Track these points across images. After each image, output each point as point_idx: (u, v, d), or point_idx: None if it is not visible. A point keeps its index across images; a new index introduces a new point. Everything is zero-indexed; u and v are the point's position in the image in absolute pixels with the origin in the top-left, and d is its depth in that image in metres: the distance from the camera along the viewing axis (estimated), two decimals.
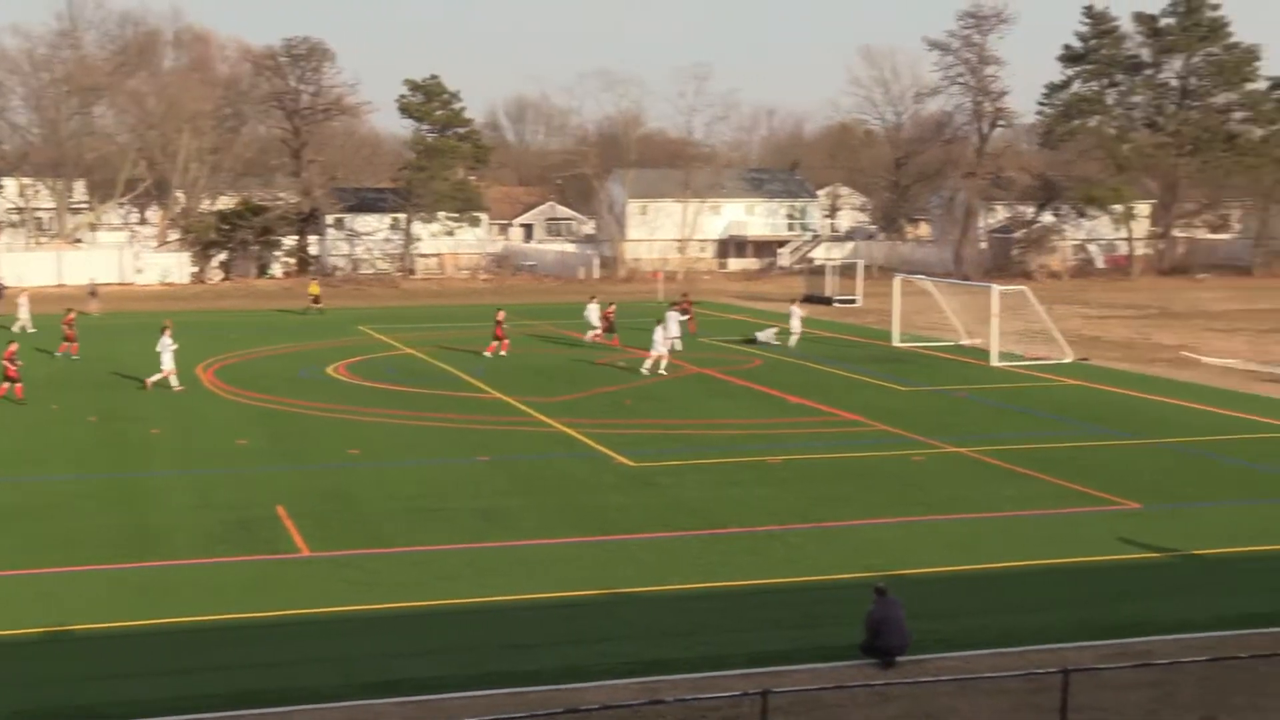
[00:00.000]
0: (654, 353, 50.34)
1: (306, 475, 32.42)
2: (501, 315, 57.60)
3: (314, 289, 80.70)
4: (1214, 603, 22.38)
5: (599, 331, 59.88)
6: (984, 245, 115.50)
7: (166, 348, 45.80)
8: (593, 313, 60.90)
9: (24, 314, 65.39)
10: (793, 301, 62.52)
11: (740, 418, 40.73)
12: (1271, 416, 40.75)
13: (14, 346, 45.32)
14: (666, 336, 55.71)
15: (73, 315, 56.61)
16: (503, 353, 55.33)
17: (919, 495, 30.23)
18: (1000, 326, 54.32)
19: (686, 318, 60.76)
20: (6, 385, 43.52)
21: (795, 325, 59.26)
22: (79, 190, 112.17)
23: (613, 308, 61.18)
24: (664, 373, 49.65)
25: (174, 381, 45.85)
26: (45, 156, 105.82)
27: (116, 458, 34.78)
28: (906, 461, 34.04)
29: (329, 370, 51.30)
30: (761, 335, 61.10)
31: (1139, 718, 17.42)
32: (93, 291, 77.49)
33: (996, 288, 56.19)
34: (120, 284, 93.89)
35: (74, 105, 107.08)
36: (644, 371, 49.85)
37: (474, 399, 44.54)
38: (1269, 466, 33.40)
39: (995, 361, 52.58)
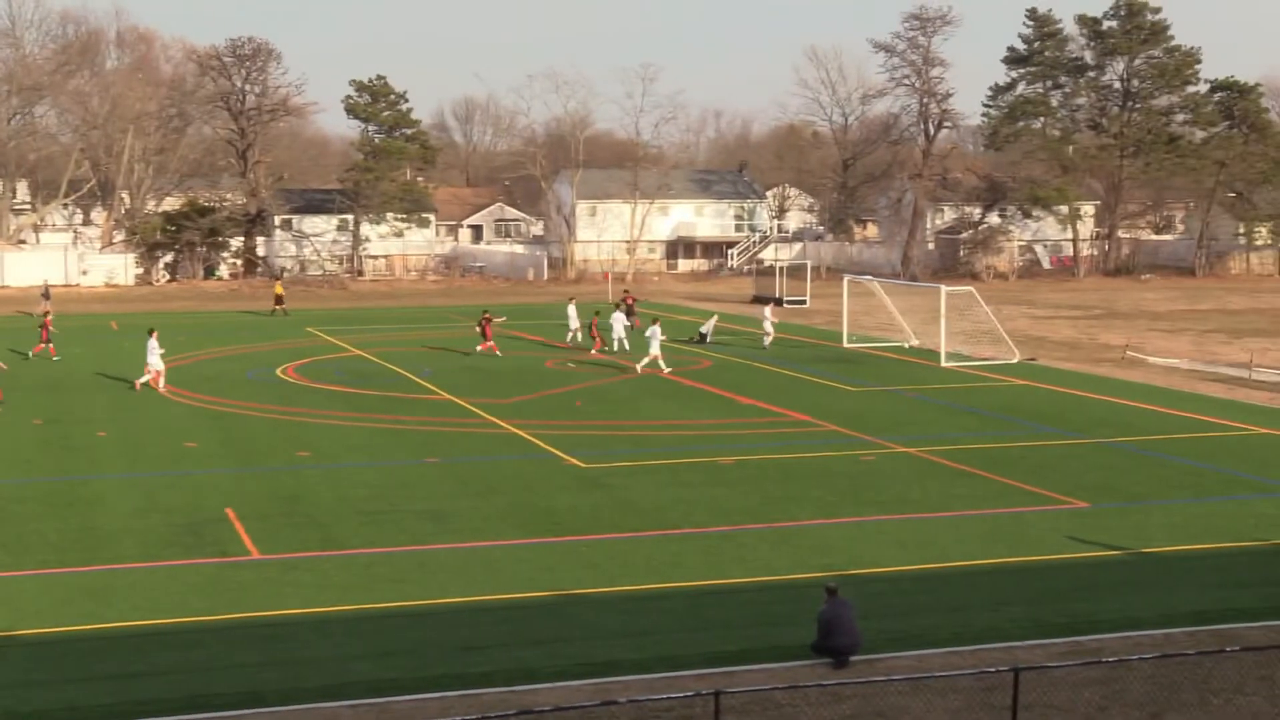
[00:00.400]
0: (652, 352, 50.48)
1: (255, 478, 32.20)
2: (488, 317, 58.05)
3: (279, 289, 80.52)
4: (1162, 600, 22.54)
5: (576, 330, 59.80)
6: (931, 246, 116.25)
7: (153, 350, 46.12)
8: (573, 314, 60.61)
9: None
10: (765, 304, 62.27)
11: (691, 418, 40.75)
12: (1216, 415, 41.13)
13: None
14: (614, 336, 56.25)
15: (49, 317, 57.11)
16: (479, 349, 55.99)
17: (870, 495, 30.31)
18: (948, 327, 54.61)
19: (631, 316, 60.81)
20: None
21: (768, 327, 59.37)
22: (21, 191, 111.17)
23: (597, 316, 61.42)
24: (649, 370, 49.88)
25: (141, 380, 46.05)
26: None
27: (62, 461, 34.43)
28: (857, 461, 34.14)
29: (278, 372, 51.01)
30: (704, 329, 61.16)
31: (1090, 715, 17.51)
32: (45, 293, 76.99)
33: (944, 288, 56.48)
34: (65, 285, 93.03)
35: (15, 105, 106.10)
36: (638, 370, 50.11)
37: (423, 400, 44.37)
38: (1214, 465, 33.68)
39: (944, 362, 52.82)
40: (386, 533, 26.95)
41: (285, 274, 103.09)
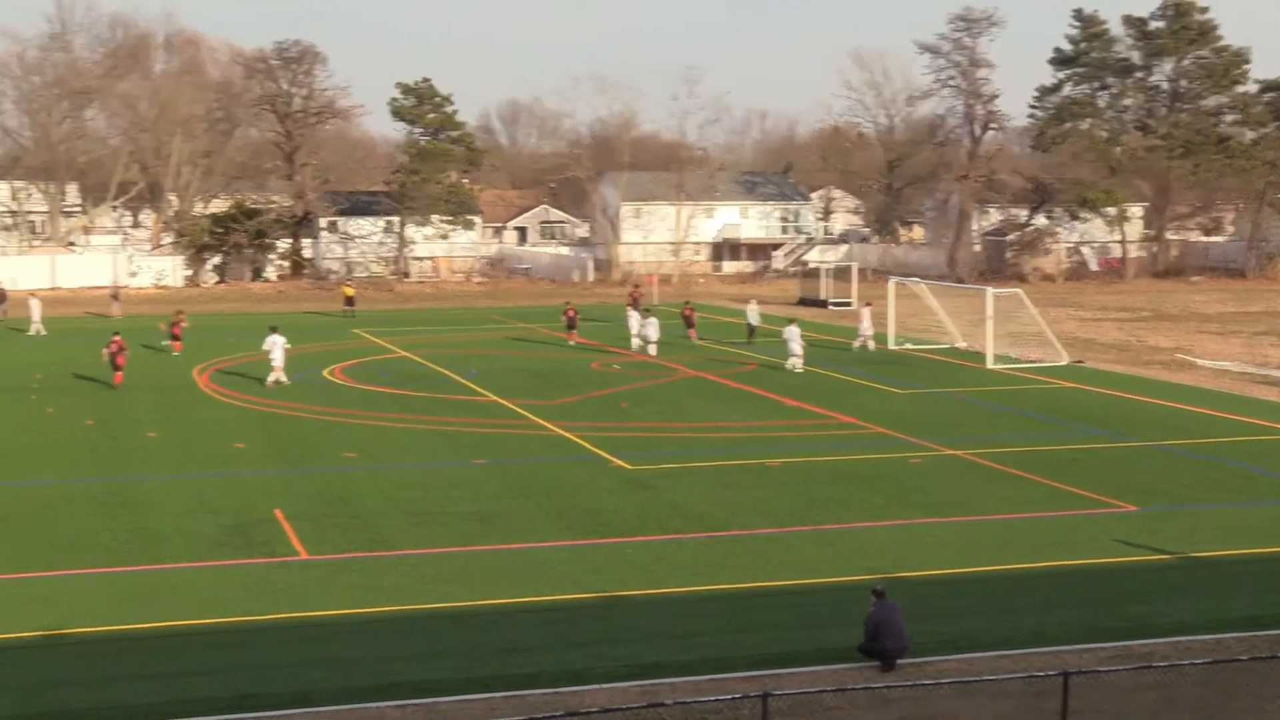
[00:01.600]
0: (794, 354, 51.13)
1: (303, 478, 32.36)
2: (570, 312, 61.59)
3: (348, 290, 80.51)
4: (1214, 605, 22.35)
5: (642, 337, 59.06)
6: (978, 248, 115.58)
7: (277, 345, 47.78)
8: (634, 320, 59.68)
9: (36, 316, 65.70)
10: (865, 304, 61.49)
11: (737, 420, 40.71)
12: (1267, 419, 40.75)
13: (119, 338, 48.65)
14: (634, 334, 57.69)
15: (182, 315, 60.19)
16: (571, 342, 60.08)
17: (917, 497, 30.20)
18: (995, 329, 54.33)
19: (645, 311, 60.65)
20: (120, 374, 47.54)
21: (866, 328, 58.70)
22: (72, 193, 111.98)
23: (689, 306, 63.74)
24: (799, 371, 50.72)
25: (284, 377, 47.55)
26: (37, 160, 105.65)
27: (113, 461, 34.70)
28: (904, 464, 34.01)
29: (325, 373, 51.22)
30: (753, 320, 60.90)
31: None
32: (114, 295, 77.51)
33: (991, 290, 56.19)
34: (110, 287, 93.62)
35: (65, 108, 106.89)
36: (790, 368, 50.92)
37: (469, 402, 44.47)
38: (1265, 468, 33.37)
39: (990, 364, 52.57)
40: (433, 534, 27.03)
41: (332, 275, 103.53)
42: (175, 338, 57.78)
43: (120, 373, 47.57)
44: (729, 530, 27.28)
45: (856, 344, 58.39)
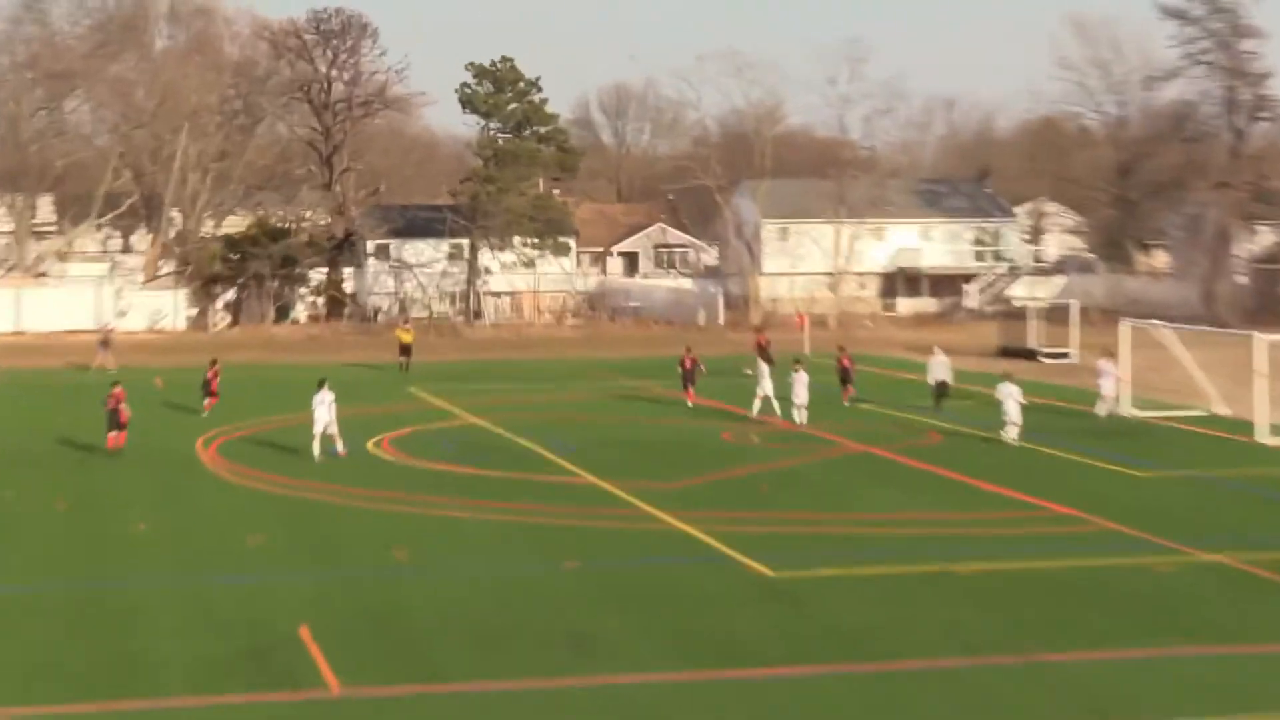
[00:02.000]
0: (1010, 421, 51.41)
1: (337, 585, 32.50)
2: (692, 359, 62.80)
3: (404, 336, 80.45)
4: None
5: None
6: (1243, 279, 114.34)
7: (322, 404, 48.27)
8: (765, 376, 59.31)
9: None
10: (1105, 355, 60.57)
11: (916, 511, 40.50)
12: None
13: (120, 389, 49.90)
14: (762, 393, 57.73)
15: (218, 366, 61.11)
16: (690, 403, 61.54)
17: (1166, 620, 29.74)
18: (1269, 389, 53.50)
19: (795, 362, 60.32)
20: (116, 433, 48.88)
21: (1108, 387, 58.49)
22: (45, 208, 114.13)
23: (845, 354, 64.98)
24: (1014, 442, 51.17)
25: (316, 448, 48.10)
26: (1, 164, 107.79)
27: (90, 561, 35.03)
28: (1148, 573, 33.51)
29: (369, 446, 51.56)
30: (941, 374, 60.28)
31: None
32: (104, 340, 78.07)
33: (1262, 337, 55.42)
34: (99, 330, 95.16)
35: (39, 98, 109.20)
36: (1005, 439, 51.34)
37: (558, 484, 44.53)
38: None
39: (1264, 437, 51.75)
40: (508, 662, 26.90)
41: (381, 315, 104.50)
42: (212, 394, 58.77)
43: (123, 432, 48.62)
44: (905, 661, 26.93)
45: (1103, 411, 58.04)
